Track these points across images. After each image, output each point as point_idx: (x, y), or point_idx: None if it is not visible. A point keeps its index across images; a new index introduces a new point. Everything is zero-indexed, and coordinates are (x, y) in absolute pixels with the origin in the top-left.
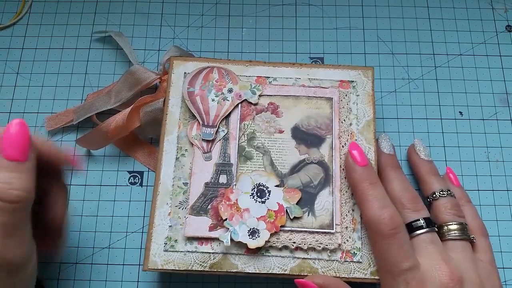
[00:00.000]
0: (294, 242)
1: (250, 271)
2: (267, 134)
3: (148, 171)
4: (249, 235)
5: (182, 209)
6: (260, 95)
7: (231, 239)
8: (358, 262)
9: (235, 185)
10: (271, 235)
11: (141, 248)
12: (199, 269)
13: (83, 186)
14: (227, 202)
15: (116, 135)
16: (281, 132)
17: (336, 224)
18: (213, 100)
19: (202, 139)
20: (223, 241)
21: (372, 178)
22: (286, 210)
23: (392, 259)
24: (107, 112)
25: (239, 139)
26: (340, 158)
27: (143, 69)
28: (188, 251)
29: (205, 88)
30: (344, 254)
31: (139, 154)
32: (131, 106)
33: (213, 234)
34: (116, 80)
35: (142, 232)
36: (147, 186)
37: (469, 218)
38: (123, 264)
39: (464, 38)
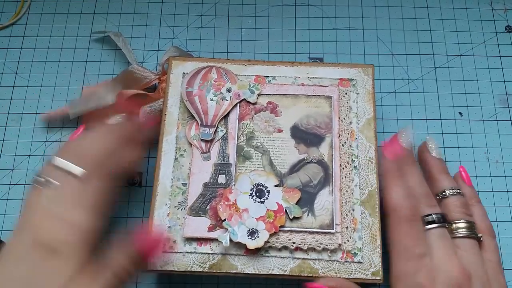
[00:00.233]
0: (293, 243)
1: (249, 272)
2: (266, 134)
3: (147, 172)
4: (248, 236)
5: (181, 209)
6: (259, 95)
7: (230, 240)
8: (359, 262)
9: (234, 185)
10: (271, 235)
11: None
12: (198, 270)
13: None
14: (226, 202)
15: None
16: (280, 131)
17: (336, 224)
18: (211, 100)
19: (201, 139)
20: (222, 242)
21: (399, 171)
22: (286, 210)
23: (407, 243)
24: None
25: (238, 139)
26: (340, 157)
27: (141, 68)
28: (187, 252)
29: (204, 88)
30: (345, 255)
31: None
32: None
33: (212, 234)
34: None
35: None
36: (146, 186)
37: (478, 218)
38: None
39: (463, 38)
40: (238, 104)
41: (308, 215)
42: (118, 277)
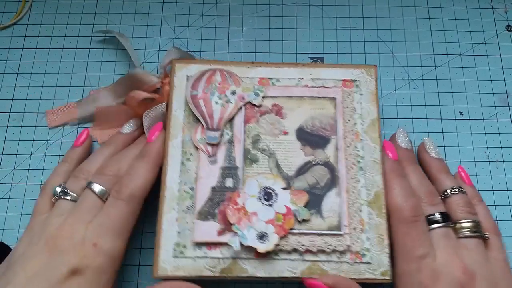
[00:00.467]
0: (303, 245)
1: (260, 275)
2: (271, 136)
3: None
4: (258, 239)
5: (190, 214)
6: (263, 97)
7: (241, 244)
8: (368, 263)
9: (242, 188)
10: (280, 238)
11: (140, 249)
12: (209, 274)
13: None
14: (235, 206)
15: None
16: (285, 133)
17: (344, 226)
18: (216, 103)
19: (207, 143)
20: (232, 246)
21: (400, 170)
22: (294, 213)
23: (409, 244)
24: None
25: (244, 142)
26: (346, 159)
27: (144, 72)
28: (198, 257)
29: (208, 91)
30: (354, 256)
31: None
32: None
33: (222, 238)
34: (117, 79)
35: (142, 233)
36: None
37: (481, 217)
38: (123, 265)
39: (464, 38)
40: (243, 107)
41: (316, 217)
42: None
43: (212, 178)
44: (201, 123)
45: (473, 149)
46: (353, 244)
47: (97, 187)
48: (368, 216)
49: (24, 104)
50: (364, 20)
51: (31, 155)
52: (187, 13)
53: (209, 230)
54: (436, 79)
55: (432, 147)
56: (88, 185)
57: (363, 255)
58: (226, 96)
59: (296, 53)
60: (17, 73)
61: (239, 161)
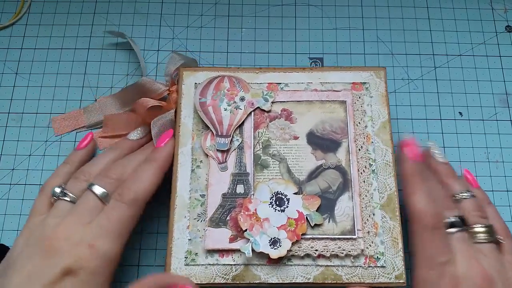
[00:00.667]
0: (316, 250)
1: (273, 282)
2: (282, 141)
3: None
4: (270, 245)
5: (201, 221)
6: (272, 102)
7: (253, 250)
8: (382, 266)
9: (253, 194)
10: (293, 243)
11: (140, 249)
12: (221, 281)
13: None
14: (246, 212)
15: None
16: (296, 138)
17: (357, 230)
18: (225, 109)
19: (217, 150)
20: (244, 252)
21: (421, 173)
22: (306, 218)
23: (431, 251)
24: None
25: (254, 148)
26: (357, 162)
27: (151, 81)
28: (209, 264)
29: (217, 98)
30: (368, 260)
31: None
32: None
33: (234, 245)
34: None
35: (141, 233)
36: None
37: (492, 220)
38: (122, 265)
39: (463, 38)
40: (253, 113)
41: (329, 221)
42: None
43: (222, 184)
44: (211, 130)
45: (472, 149)
46: (367, 248)
47: (98, 189)
48: (382, 219)
49: (23, 104)
50: (363, 20)
51: (30, 155)
52: (186, 13)
53: (221, 237)
54: (436, 80)
55: (438, 152)
56: (89, 186)
57: (377, 259)
58: (235, 102)
59: (296, 53)
60: (16, 73)
61: (249, 167)
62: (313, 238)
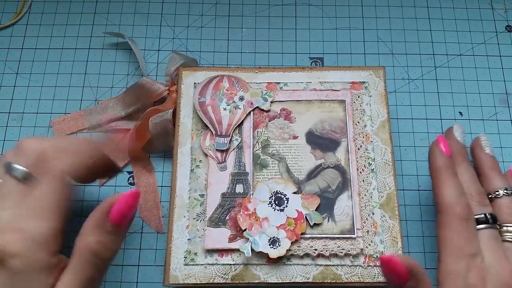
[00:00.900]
0: (315, 249)
1: (272, 281)
2: (281, 141)
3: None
4: (269, 245)
5: (200, 221)
6: (271, 102)
7: (252, 250)
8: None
9: (252, 194)
10: (292, 243)
11: (140, 249)
12: (221, 281)
13: (82, 187)
14: (246, 212)
15: (131, 152)
16: (295, 137)
17: (357, 229)
18: (224, 109)
19: (216, 149)
20: (244, 252)
21: (453, 168)
22: (306, 217)
23: (460, 242)
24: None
25: (253, 147)
26: (357, 161)
27: (151, 81)
28: (209, 264)
29: (216, 98)
30: (367, 259)
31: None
32: (139, 121)
33: (233, 245)
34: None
35: (142, 233)
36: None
37: None
38: (122, 265)
39: (464, 38)
40: (252, 112)
41: (328, 221)
42: (94, 257)
43: (222, 184)
44: (210, 129)
45: None
46: (367, 247)
47: (16, 168)
48: (381, 218)
49: (24, 104)
50: (364, 20)
51: None
52: (186, 13)
53: (220, 236)
54: (436, 79)
55: (487, 143)
56: (6, 166)
57: (377, 258)
58: (234, 102)
59: (296, 53)
60: (17, 73)
61: (249, 166)
62: (313, 238)
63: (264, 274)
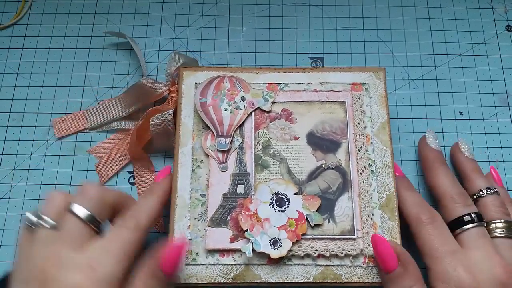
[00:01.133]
0: (316, 250)
1: (273, 281)
2: (282, 142)
3: None
4: (270, 245)
5: (201, 221)
6: (272, 102)
7: (253, 250)
8: None
9: (254, 194)
10: (293, 243)
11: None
12: (222, 281)
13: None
14: (247, 213)
15: (131, 152)
16: (296, 138)
17: (357, 230)
18: (226, 109)
19: (217, 150)
20: (245, 252)
21: (408, 184)
22: (307, 218)
23: (433, 244)
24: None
25: (254, 148)
26: (357, 162)
27: (151, 81)
28: (210, 264)
29: (217, 98)
30: (367, 259)
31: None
32: (140, 121)
33: (235, 245)
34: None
35: None
36: None
37: None
38: None
39: (464, 38)
40: (253, 113)
41: (329, 222)
42: None
43: (223, 185)
44: (211, 130)
45: (473, 149)
46: (366, 248)
47: (80, 210)
48: (381, 219)
49: (24, 104)
50: (364, 20)
51: (31, 155)
52: (187, 13)
53: (222, 237)
54: (436, 79)
55: (466, 147)
56: (71, 208)
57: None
58: (235, 102)
59: (296, 53)
60: (17, 73)
61: (250, 167)
62: (313, 238)
63: (265, 274)
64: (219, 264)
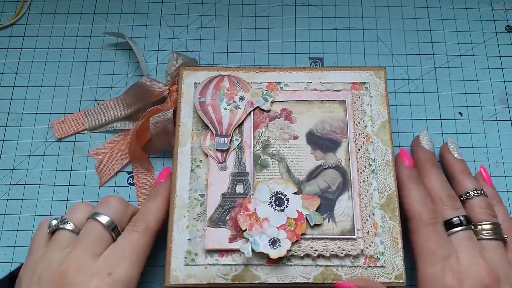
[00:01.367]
0: (316, 250)
1: (273, 282)
2: (281, 141)
3: None
4: (270, 245)
5: (200, 221)
6: (272, 102)
7: (252, 250)
8: (382, 266)
9: (253, 194)
10: (292, 243)
11: None
12: (221, 282)
13: (82, 187)
14: (246, 212)
15: (131, 152)
16: (295, 138)
17: (357, 230)
18: (225, 109)
19: (217, 149)
20: (244, 252)
21: (416, 177)
22: (306, 218)
23: (431, 246)
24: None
25: (253, 147)
26: (357, 162)
27: (151, 81)
28: (209, 264)
29: (217, 97)
30: (368, 259)
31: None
32: (140, 121)
33: (234, 245)
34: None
35: None
36: None
37: (501, 219)
38: None
39: (463, 38)
40: (252, 112)
41: (328, 221)
42: None
43: (222, 184)
44: (210, 129)
45: (472, 149)
46: (367, 248)
47: (103, 218)
48: (381, 219)
49: (23, 104)
50: (363, 20)
51: (29, 155)
52: (186, 13)
53: (221, 237)
54: (436, 80)
55: (455, 148)
56: (93, 215)
57: (377, 259)
58: (234, 102)
59: (296, 53)
60: (16, 73)
61: (249, 166)
62: (313, 238)
63: (264, 274)
64: (218, 265)
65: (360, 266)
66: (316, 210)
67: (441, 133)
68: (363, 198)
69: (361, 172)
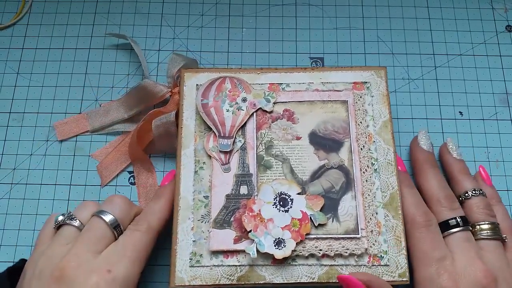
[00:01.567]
0: (320, 250)
1: (278, 282)
2: (284, 142)
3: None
4: (275, 246)
5: (205, 222)
6: (274, 103)
7: (257, 251)
8: (386, 265)
9: (257, 195)
10: (297, 244)
11: None
12: (227, 282)
13: (83, 186)
14: (250, 213)
15: (131, 153)
16: (298, 138)
17: (361, 229)
18: (227, 110)
19: (220, 151)
20: (249, 253)
21: (409, 181)
22: (310, 218)
23: (424, 248)
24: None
25: (257, 149)
26: (360, 161)
27: (153, 83)
28: (214, 265)
29: (219, 99)
30: (371, 258)
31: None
32: (141, 122)
33: (239, 246)
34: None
35: None
36: None
37: (499, 219)
38: None
39: (464, 38)
40: (255, 114)
41: (332, 221)
42: None
43: (226, 186)
44: (213, 131)
45: (473, 149)
46: (371, 247)
47: (107, 216)
48: (385, 218)
49: (24, 104)
50: (364, 20)
51: (31, 155)
52: (187, 13)
53: (225, 238)
54: (436, 79)
55: (454, 148)
56: (98, 213)
57: (381, 257)
58: (237, 103)
59: (296, 53)
60: (17, 73)
61: (252, 168)
62: (317, 238)
63: (269, 274)
64: (223, 266)
65: (364, 265)
66: (320, 210)
67: (441, 132)
68: (366, 197)
69: (364, 172)
